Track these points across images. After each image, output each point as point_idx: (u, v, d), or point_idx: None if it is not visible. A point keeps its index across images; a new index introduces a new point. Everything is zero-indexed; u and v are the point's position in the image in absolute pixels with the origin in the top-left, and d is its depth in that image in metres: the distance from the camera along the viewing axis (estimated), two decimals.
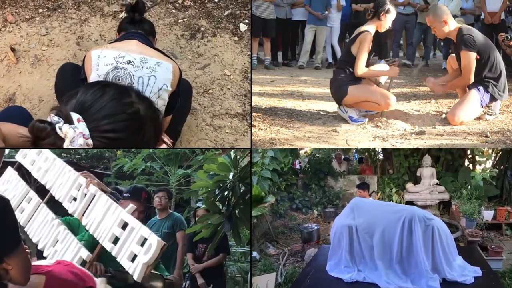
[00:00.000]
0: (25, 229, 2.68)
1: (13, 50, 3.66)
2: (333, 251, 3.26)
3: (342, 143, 3.50)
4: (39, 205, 2.73)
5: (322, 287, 3.07)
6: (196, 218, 3.73)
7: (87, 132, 1.29)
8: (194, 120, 3.38)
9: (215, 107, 3.46)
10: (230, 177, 2.52)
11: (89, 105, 1.36)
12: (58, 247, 2.45)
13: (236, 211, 2.50)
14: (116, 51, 2.52)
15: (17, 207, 2.80)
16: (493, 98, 3.75)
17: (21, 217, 2.72)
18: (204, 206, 3.11)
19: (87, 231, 2.72)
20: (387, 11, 3.80)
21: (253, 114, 3.68)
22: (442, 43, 7.08)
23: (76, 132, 1.27)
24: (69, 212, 2.55)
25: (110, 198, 2.38)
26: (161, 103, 2.54)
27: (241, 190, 2.51)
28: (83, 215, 2.44)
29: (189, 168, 4.80)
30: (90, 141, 1.29)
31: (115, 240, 2.21)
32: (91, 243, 2.46)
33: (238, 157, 2.59)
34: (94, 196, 2.46)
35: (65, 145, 1.27)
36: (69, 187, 2.61)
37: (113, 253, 2.13)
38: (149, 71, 2.51)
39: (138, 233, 2.11)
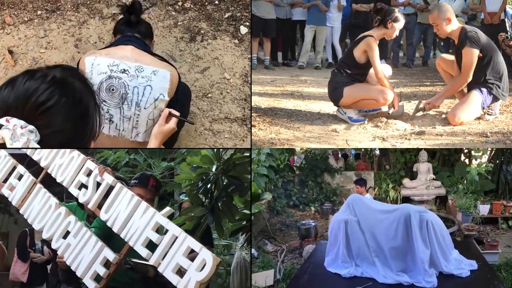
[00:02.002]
0: (21, 211, 2.46)
1: (11, 52, 3.63)
2: (330, 246, 3.29)
3: (342, 143, 3.51)
4: (34, 185, 2.46)
5: (320, 283, 3.10)
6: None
7: (22, 122, 1.19)
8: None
9: (214, 111, 3.41)
10: (213, 169, 2.51)
11: (8, 103, 1.25)
12: (71, 241, 2.22)
13: (219, 204, 2.50)
14: (110, 58, 2.47)
15: (4, 182, 2.56)
16: (495, 99, 3.74)
17: (12, 196, 2.50)
18: (188, 198, 3.06)
19: (92, 220, 2.53)
20: (395, 20, 3.72)
21: (253, 114, 3.67)
22: (442, 43, 7.11)
23: (10, 128, 1.17)
24: (80, 201, 2.33)
25: (135, 195, 2.15)
26: (157, 113, 2.50)
27: (224, 183, 2.49)
28: (98, 207, 2.22)
29: (173, 160, 4.78)
30: (31, 127, 1.19)
31: (148, 245, 1.99)
32: (104, 231, 2.26)
33: (221, 149, 2.60)
34: (111, 187, 2.23)
35: (8, 146, 1.18)
36: (74, 170, 2.36)
37: (152, 262, 1.91)
38: (145, 81, 2.45)
39: (184, 244, 1.86)
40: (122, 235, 2.06)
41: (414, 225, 2.92)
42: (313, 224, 4.77)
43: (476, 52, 3.61)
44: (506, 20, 5.69)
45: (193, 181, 2.60)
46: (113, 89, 2.43)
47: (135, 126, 2.50)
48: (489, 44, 3.70)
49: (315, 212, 6.09)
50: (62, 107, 1.24)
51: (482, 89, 3.69)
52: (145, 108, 2.47)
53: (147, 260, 1.95)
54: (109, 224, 2.13)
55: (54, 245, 2.26)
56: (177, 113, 2.49)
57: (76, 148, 1.28)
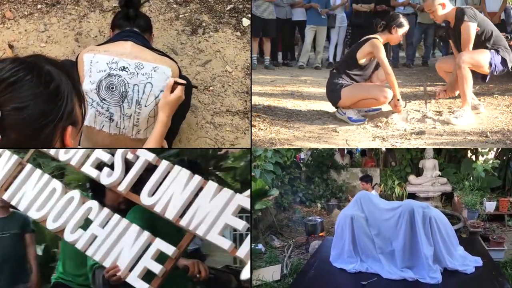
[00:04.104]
0: (6, 198, 2.03)
1: (11, 47, 3.58)
2: (336, 240, 3.34)
3: (342, 143, 3.54)
4: (19, 165, 2.06)
5: (326, 277, 3.14)
6: None
7: None
8: (194, 117, 3.33)
9: (215, 104, 3.40)
10: None
11: None
12: (98, 232, 1.80)
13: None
14: (108, 55, 2.44)
15: None
16: (504, 63, 3.70)
17: None
18: None
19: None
20: (399, 25, 3.73)
21: (253, 114, 3.68)
22: (442, 44, 7.09)
23: None
24: (104, 183, 1.93)
25: (195, 175, 1.75)
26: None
27: None
28: (133, 190, 1.83)
29: None
30: None
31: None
32: (147, 223, 1.88)
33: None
34: (150, 166, 1.85)
35: None
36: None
37: (240, 254, 1.56)
38: (145, 78, 2.43)
39: None
40: (183, 223, 1.70)
41: (417, 221, 2.96)
42: (319, 220, 4.81)
43: (474, 26, 3.63)
44: (506, 20, 5.70)
45: (81, 182, 2.53)
46: (112, 88, 2.41)
47: (135, 124, 2.48)
48: (486, 20, 3.73)
49: (321, 208, 6.13)
50: (26, 83, 1.19)
51: (490, 50, 3.70)
52: (145, 106, 2.45)
53: (231, 268, 1.67)
54: (157, 210, 1.76)
55: (68, 237, 1.86)
56: (183, 81, 2.42)
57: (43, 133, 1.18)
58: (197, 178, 1.76)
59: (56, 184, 1.98)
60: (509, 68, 3.77)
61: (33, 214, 1.95)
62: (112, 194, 2.09)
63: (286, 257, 4.11)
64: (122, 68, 2.41)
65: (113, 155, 1.95)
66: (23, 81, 1.19)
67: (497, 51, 3.69)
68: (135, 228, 1.77)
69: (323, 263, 3.33)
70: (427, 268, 2.87)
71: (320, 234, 4.63)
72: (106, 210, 1.88)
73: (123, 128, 2.48)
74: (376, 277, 3.00)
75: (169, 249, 1.69)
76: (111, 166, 1.94)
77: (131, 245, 1.72)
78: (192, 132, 3.28)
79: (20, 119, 1.18)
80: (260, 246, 4.30)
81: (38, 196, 1.97)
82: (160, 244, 1.71)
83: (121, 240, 1.76)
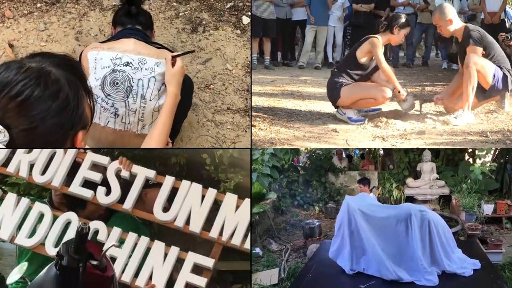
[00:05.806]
0: None
1: (11, 46, 3.57)
2: (336, 236, 3.31)
3: (342, 143, 3.54)
4: None
5: (324, 281, 3.12)
6: None
7: None
8: (195, 116, 3.34)
9: (216, 102, 3.42)
10: None
11: None
12: (114, 252, 1.78)
13: None
14: (112, 52, 2.47)
15: None
16: (505, 81, 3.72)
17: None
18: None
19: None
20: (401, 26, 3.75)
21: (253, 114, 3.69)
22: (441, 44, 7.11)
23: None
24: (102, 202, 1.99)
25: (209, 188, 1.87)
26: (162, 103, 2.47)
27: None
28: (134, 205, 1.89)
29: None
30: None
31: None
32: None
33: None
34: (148, 182, 1.94)
35: None
36: (68, 165, 2.00)
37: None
38: (149, 72, 2.46)
39: None
40: (213, 235, 1.77)
41: (414, 224, 2.94)
42: (317, 223, 4.79)
43: (479, 50, 3.66)
44: (506, 20, 5.72)
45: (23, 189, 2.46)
46: (117, 83, 2.43)
47: (140, 119, 2.50)
48: (492, 43, 3.75)
49: (319, 211, 6.12)
50: (34, 100, 1.12)
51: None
52: (150, 100, 2.47)
53: None
54: (179, 224, 1.81)
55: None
56: (179, 52, 2.49)
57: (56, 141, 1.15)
58: (213, 191, 1.84)
59: (43, 207, 1.96)
60: (509, 90, 3.79)
61: (24, 242, 1.90)
62: (94, 206, 2.13)
63: (284, 261, 4.10)
64: (126, 63, 2.44)
65: (103, 174, 1.99)
66: (31, 98, 1.12)
67: (500, 68, 3.74)
68: (160, 245, 1.79)
69: (321, 267, 3.31)
70: (423, 271, 2.85)
71: (318, 237, 4.62)
72: (117, 230, 1.86)
73: (128, 123, 2.49)
74: (375, 280, 2.98)
75: (206, 261, 1.74)
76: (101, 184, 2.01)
77: (162, 263, 1.73)
78: (193, 130, 3.29)
79: (30, 139, 1.13)
80: (257, 249, 4.28)
81: (23, 222, 1.93)
82: (195, 258, 1.74)
83: (147, 258, 1.76)
